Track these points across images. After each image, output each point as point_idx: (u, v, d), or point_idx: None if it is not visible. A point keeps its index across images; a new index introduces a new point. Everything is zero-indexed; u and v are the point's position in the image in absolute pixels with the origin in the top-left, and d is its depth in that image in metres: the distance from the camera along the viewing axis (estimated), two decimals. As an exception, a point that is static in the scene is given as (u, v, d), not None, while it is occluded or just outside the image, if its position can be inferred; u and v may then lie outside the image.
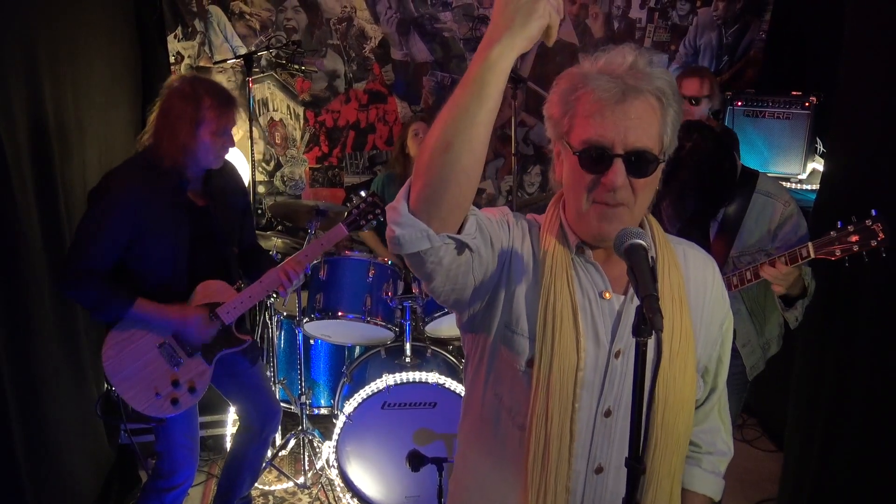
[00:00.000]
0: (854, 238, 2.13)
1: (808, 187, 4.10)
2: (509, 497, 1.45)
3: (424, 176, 1.20)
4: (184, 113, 2.50)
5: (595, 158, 1.29)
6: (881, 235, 2.09)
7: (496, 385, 1.45)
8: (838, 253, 2.16)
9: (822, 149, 4.12)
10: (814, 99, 4.11)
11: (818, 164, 4.15)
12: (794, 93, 4.17)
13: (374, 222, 2.89)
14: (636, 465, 1.17)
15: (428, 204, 1.21)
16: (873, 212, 2.13)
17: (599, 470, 1.42)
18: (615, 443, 1.40)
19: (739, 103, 4.24)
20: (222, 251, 2.74)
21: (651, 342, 1.12)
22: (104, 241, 2.47)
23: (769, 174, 3.31)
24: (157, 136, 2.54)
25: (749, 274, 2.37)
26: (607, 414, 1.39)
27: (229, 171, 2.87)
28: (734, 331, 2.53)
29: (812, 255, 2.20)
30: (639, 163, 1.29)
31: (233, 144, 2.65)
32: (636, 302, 1.14)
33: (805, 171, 4.17)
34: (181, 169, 2.57)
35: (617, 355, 1.38)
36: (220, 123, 2.54)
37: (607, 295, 1.40)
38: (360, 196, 2.88)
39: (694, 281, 1.48)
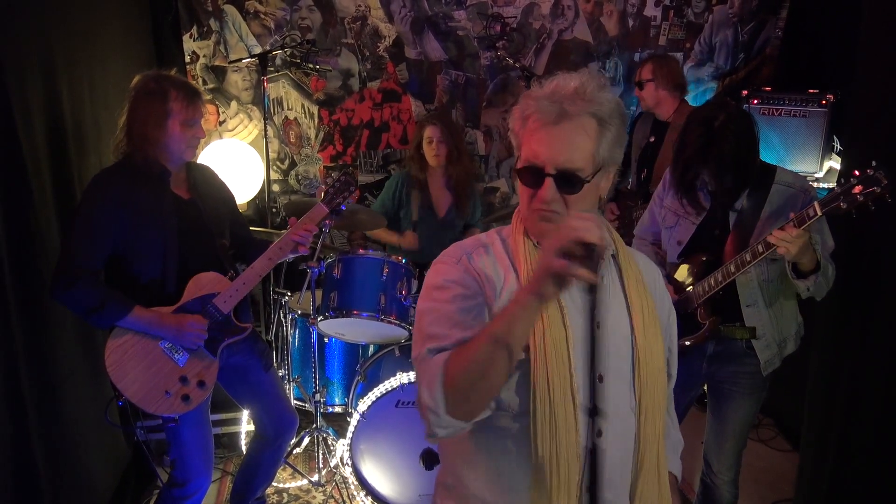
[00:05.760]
0: (857, 189, 2.11)
1: (825, 186, 4.06)
2: (519, 484, 1.51)
3: (463, 395, 1.41)
4: (152, 108, 2.55)
5: (530, 176, 1.48)
6: (884, 181, 2.09)
7: None
8: (844, 206, 2.14)
9: (838, 147, 4.09)
10: (830, 97, 4.08)
11: (835, 163, 4.11)
12: (811, 91, 4.13)
13: (350, 201, 2.96)
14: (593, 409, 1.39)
15: (467, 413, 1.44)
16: (873, 162, 2.12)
17: (598, 434, 1.50)
18: (608, 405, 1.50)
19: (755, 101, 4.21)
20: (212, 242, 2.73)
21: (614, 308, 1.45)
22: (93, 237, 2.48)
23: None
24: (128, 135, 2.59)
25: (760, 247, 2.35)
26: (600, 380, 1.50)
27: (208, 170, 2.92)
28: (752, 328, 2.54)
29: (819, 213, 2.18)
30: (568, 181, 1.45)
31: (203, 135, 2.69)
32: (602, 274, 1.39)
33: (822, 170, 4.14)
34: (157, 161, 2.60)
35: (598, 326, 1.46)
36: (188, 114, 2.59)
37: None
38: (333, 177, 2.90)
39: (645, 274, 1.67)
